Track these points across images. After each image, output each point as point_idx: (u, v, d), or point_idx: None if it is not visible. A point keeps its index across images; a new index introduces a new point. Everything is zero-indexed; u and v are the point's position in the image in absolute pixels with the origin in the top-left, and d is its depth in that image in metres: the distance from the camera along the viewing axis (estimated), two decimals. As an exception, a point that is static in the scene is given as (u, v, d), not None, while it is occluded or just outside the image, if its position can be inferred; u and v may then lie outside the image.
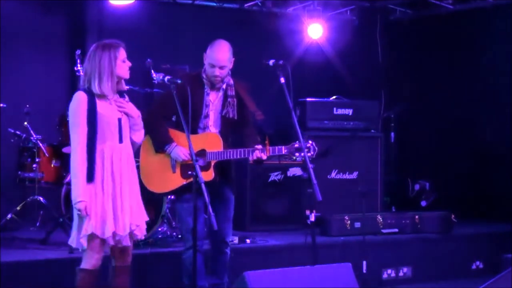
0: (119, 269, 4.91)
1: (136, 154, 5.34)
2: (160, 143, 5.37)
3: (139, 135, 4.98)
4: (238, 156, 5.28)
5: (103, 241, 4.76)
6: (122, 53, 4.80)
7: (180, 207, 5.45)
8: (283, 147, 5.27)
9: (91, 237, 4.70)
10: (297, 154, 5.24)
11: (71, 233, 4.79)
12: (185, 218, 5.37)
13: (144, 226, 4.93)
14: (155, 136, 5.37)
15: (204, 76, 5.41)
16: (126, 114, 4.86)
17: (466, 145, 8.90)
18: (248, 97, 5.50)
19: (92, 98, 4.72)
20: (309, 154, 5.19)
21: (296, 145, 5.23)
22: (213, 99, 5.43)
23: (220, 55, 5.34)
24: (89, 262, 4.78)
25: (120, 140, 4.82)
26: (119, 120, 4.81)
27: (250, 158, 5.27)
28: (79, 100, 4.71)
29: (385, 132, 8.65)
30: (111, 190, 4.75)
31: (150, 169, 5.44)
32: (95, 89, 4.72)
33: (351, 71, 9.21)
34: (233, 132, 5.54)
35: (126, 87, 4.90)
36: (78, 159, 4.66)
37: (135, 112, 4.90)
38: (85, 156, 4.67)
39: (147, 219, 4.97)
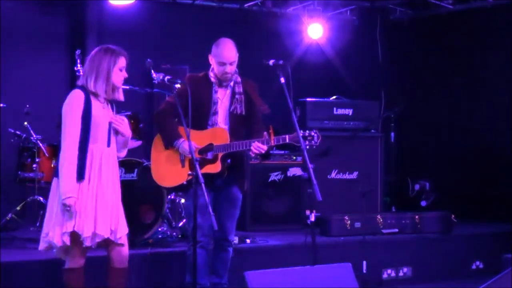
0: (116, 271, 4.90)
1: (147, 155, 5.66)
2: (169, 140, 5.47)
3: (124, 153, 5.03)
4: (244, 148, 5.35)
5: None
6: (121, 62, 4.83)
7: (188, 203, 5.53)
8: (287, 136, 5.30)
9: (75, 235, 4.68)
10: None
11: (47, 228, 4.72)
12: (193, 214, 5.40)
13: (123, 233, 4.85)
14: (164, 133, 5.50)
15: (211, 75, 5.52)
16: (119, 132, 4.88)
17: (466, 145, 8.89)
18: (256, 95, 5.60)
19: (88, 97, 4.74)
20: (313, 142, 5.25)
21: (301, 134, 5.25)
22: (222, 97, 5.53)
23: (228, 52, 5.47)
24: (74, 260, 4.79)
25: (108, 144, 4.85)
26: (109, 124, 4.85)
27: (251, 154, 5.31)
28: (75, 98, 4.74)
29: (385, 132, 8.64)
30: (96, 190, 4.75)
31: (161, 166, 5.55)
32: (90, 86, 4.76)
33: (351, 71, 9.21)
34: (243, 128, 5.60)
35: (122, 99, 4.92)
36: (70, 156, 4.65)
37: (128, 132, 4.94)
38: (77, 154, 4.67)
39: (127, 231, 4.90)
